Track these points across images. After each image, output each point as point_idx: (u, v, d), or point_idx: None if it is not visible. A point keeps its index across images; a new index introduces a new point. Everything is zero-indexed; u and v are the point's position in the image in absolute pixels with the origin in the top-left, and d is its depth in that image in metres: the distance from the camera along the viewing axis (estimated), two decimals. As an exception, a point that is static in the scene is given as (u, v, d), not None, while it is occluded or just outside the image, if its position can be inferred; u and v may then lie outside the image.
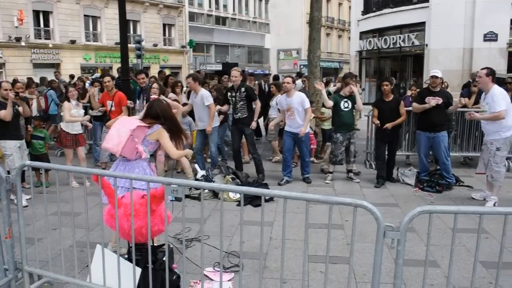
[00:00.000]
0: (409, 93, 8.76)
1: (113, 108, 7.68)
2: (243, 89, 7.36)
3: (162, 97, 7.07)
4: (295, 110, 7.22)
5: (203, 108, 7.39)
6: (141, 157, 4.05)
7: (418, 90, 8.52)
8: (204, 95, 7.39)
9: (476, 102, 8.42)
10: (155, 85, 7.24)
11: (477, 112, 6.37)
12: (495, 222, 5.00)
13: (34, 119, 7.70)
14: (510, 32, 18.41)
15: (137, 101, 8.15)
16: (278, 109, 8.29)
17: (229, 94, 7.50)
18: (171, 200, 4.23)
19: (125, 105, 7.76)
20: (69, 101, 7.23)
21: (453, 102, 7.12)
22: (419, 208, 2.38)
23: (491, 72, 6.01)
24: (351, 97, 7.38)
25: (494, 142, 5.96)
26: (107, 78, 7.95)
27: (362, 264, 4.22)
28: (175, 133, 4.22)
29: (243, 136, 7.88)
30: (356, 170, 7.97)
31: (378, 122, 7.24)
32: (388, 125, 7.12)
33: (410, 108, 7.80)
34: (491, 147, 5.98)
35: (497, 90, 5.94)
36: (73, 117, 7.14)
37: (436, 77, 6.87)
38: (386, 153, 7.48)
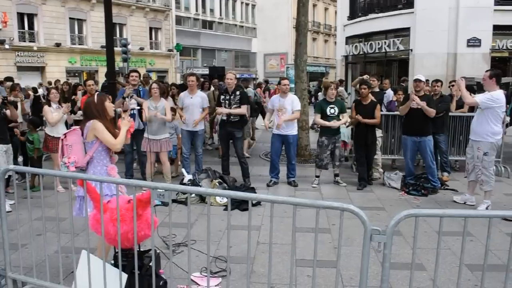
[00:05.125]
0: (394, 98, 8.82)
1: None
2: (237, 93, 7.38)
3: (143, 102, 7.02)
4: (287, 111, 7.35)
5: (198, 109, 7.61)
6: (85, 164, 3.96)
7: (403, 95, 8.60)
8: (204, 97, 7.78)
9: (461, 106, 8.54)
10: (154, 85, 7.14)
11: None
12: (479, 225, 5.07)
13: (28, 122, 7.62)
14: (493, 38, 18.71)
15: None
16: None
17: (222, 97, 7.47)
18: (156, 205, 4.20)
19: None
20: (49, 104, 7.16)
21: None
22: (405, 212, 2.40)
23: (494, 74, 5.88)
24: (337, 102, 7.44)
25: (481, 147, 5.92)
26: (90, 82, 7.90)
27: (349, 267, 4.23)
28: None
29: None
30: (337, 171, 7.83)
31: (360, 117, 7.24)
32: (359, 118, 7.19)
33: (397, 113, 7.87)
34: (478, 152, 5.95)
35: (496, 92, 5.85)
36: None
37: (420, 80, 6.95)
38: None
